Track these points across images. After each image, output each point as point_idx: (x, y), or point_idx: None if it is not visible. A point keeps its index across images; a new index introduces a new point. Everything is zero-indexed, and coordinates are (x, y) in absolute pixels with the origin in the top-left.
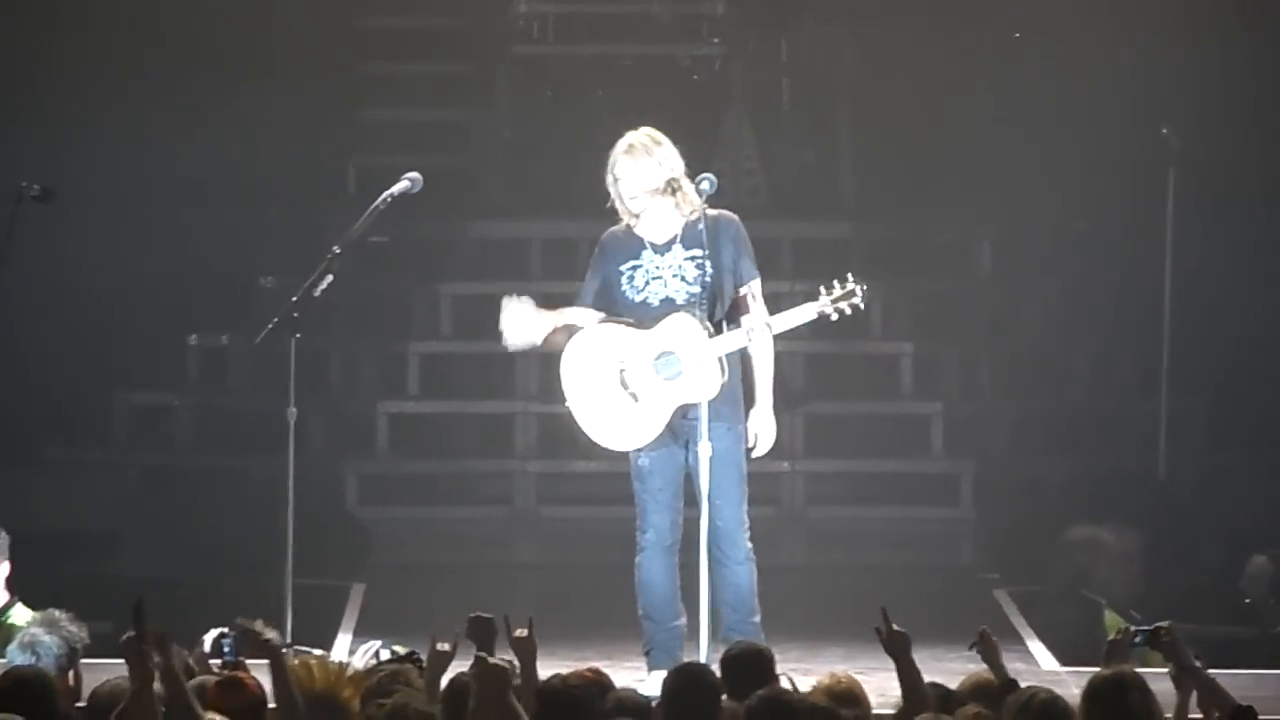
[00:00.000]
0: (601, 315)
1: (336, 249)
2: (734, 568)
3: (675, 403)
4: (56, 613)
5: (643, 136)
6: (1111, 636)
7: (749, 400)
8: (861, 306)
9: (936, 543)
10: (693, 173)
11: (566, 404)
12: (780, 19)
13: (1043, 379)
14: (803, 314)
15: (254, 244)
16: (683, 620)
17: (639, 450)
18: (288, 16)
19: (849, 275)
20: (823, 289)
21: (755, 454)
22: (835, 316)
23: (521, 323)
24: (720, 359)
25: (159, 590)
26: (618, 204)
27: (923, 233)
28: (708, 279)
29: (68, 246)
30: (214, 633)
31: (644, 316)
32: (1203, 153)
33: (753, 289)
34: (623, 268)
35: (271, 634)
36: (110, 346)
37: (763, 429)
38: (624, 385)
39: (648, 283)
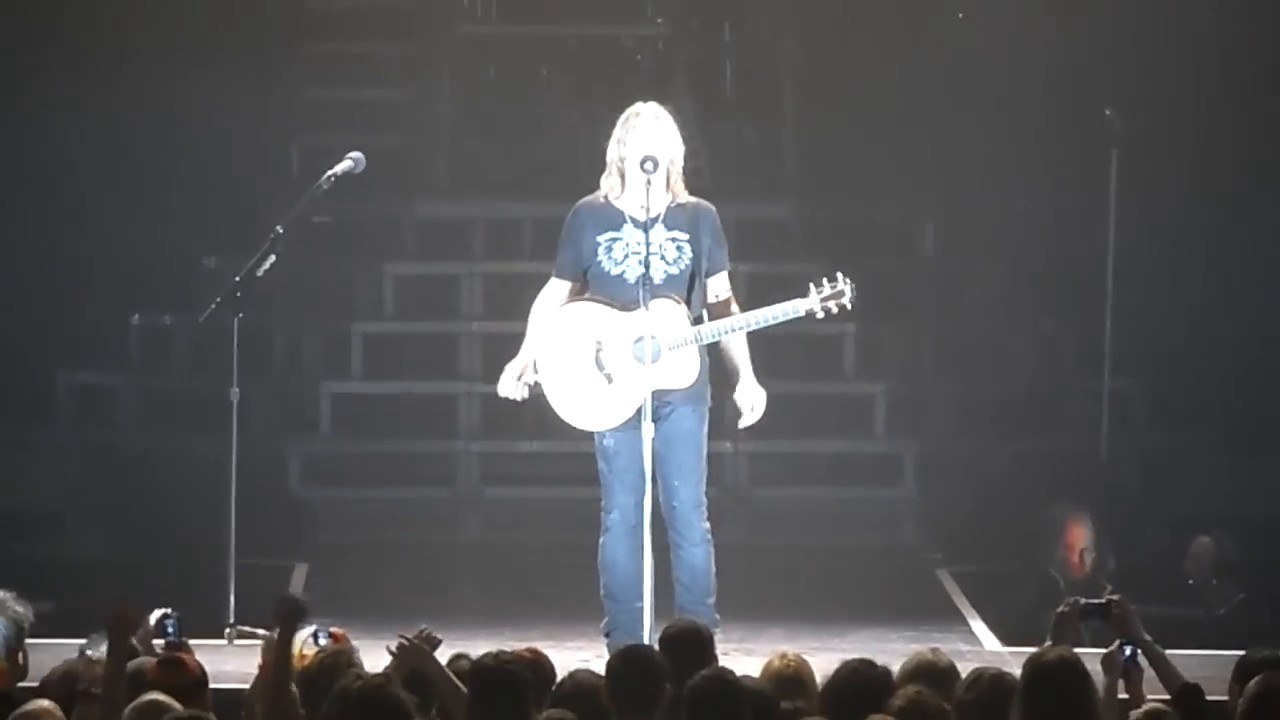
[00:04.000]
0: (573, 287)
1: (279, 229)
2: (689, 549)
3: (650, 387)
4: (2, 592)
5: (665, 109)
6: (1059, 609)
7: (731, 377)
8: (849, 306)
9: (879, 523)
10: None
11: (536, 379)
12: (724, 0)
13: (985, 360)
14: (791, 309)
15: (197, 224)
16: (644, 601)
17: (605, 431)
18: None
19: (839, 274)
20: (812, 286)
21: (747, 423)
22: (822, 315)
23: (509, 383)
24: (700, 347)
25: (102, 570)
26: (614, 169)
27: (865, 214)
28: (687, 262)
29: (9, 227)
30: (158, 613)
31: (619, 291)
32: (1145, 134)
33: (724, 279)
34: (600, 238)
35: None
36: (53, 326)
37: (755, 399)
38: (599, 365)
39: (626, 256)
